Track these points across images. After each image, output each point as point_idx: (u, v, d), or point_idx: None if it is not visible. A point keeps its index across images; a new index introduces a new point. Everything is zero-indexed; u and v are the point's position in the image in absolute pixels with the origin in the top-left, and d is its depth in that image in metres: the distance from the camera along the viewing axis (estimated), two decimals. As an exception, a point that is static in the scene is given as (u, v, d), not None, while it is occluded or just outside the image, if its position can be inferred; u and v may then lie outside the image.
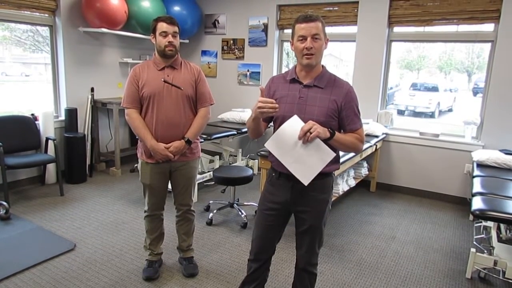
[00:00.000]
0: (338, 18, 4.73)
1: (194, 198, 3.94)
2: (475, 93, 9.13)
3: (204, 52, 5.79)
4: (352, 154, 3.30)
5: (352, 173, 4.14)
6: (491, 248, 2.94)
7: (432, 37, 4.40)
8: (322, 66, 1.82)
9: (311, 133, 1.59)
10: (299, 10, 4.94)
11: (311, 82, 1.78)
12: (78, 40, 4.54)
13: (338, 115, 1.77)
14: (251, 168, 4.73)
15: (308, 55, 1.70)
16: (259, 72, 5.35)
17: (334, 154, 1.66)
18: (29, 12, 4.11)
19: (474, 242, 3.23)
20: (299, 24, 1.71)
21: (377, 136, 4.28)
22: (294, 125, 1.64)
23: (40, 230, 3.21)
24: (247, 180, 3.54)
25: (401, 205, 4.24)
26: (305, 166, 1.67)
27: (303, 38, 1.70)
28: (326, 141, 1.66)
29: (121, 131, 5.20)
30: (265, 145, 1.71)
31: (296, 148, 1.65)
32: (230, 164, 5.02)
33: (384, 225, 3.66)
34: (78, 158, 4.42)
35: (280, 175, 1.86)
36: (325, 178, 1.84)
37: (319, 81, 1.78)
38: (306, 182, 1.69)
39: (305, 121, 1.65)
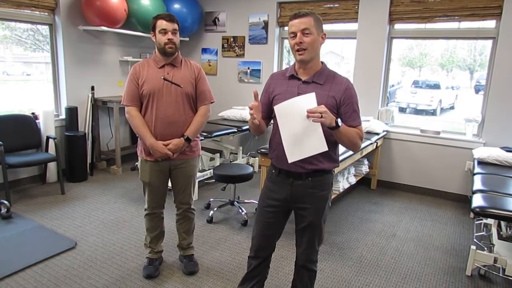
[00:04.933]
0: (338, 15, 4.72)
1: (195, 196, 3.95)
2: (477, 90, 9.10)
3: (204, 50, 5.78)
4: (352, 152, 3.29)
5: (352, 170, 4.14)
6: (491, 245, 2.93)
7: (433, 34, 4.38)
8: (322, 62, 1.82)
9: (321, 116, 1.57)
10: (300, 7, 4.93)
11: (310, 78, 1.78)
12: (78, 38, 4.54)
13: (337, 111, 1.77)
14: (252, 165, 4.72)
15: (299, 51, 1.72)
16: (259, 70, 5.34)
17: (326, 149, 1.66)
18: (29, 11, 4.11)
19: (475, 240, 3.23)
20: (290, 21, 1.74)
21: (377, 134, 4.27)
22: (308, 101, 1.62)
23: (41, 228, 3.22)
24: (247, 177, 3.54)
25: (402, 202, 4.24)
26: (296, 145, 1.68)
27: (294, 35, 1.72)
28: (330, 129, 1.65)
29: (121, 130, 5.20)
30: (274, 107, 1.70)
31: (298, 123, 1.64)
32: (230, 162, 5.02)
33: (384, 223, 3.66)
34: (79, 157, 4.43)
35: (280, 172, 1.87)
36: (324, 175, 1.85)
37: (318, 77, 1.78)
38: (290, 160, 1.71)
39: None
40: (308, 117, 1.59)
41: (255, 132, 1.91)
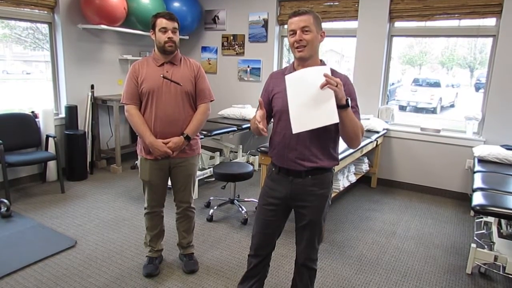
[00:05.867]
0: (338, 13, 4.71)
1: (195, 194, 3.95)
2: (477, 88, 9.10)
3: (204, 48, 5.77)
4: (352, 150, 3.29)
5: (352, 169, 4.14)
6: (491, 243, 2.93)
7: (434, 32, 4.37)
8: (321, 60, 1.82)
9: (336, 85, 1.54)
10: (299, 5, 4.92)
11: (309, 76, 1.77)
12: (77, 37, 4.53)
13: None
14: (252, 164, 4.71)
15: (299, 48, 1.72)
16: (259, 68, 5.33)
17: (337, 121, 1.60)
18: (28, 9, 4.10)
19: (475, 238, 3.22)
20: (290, 19, 1.74)
21: (377, 132, 4.26)
22: (321, 73, 1.57)
23: (41, 227, 3.22)
24: (247, 176, 3.54)
25: (402, 200, 4.24)
26: (305, 115, 1.62)
27: (293, 32, 1.72)
28: (339, 108, 1.61)
29: (121, 128, 5.20)
30: (286, 76, 1.66)
31: (310, 93, 1.59)
32: (230, 160, 5.01)
33: (384, 221, 3.66)
34: (79, 156, 4.42)
35: (280, 170, 1.87)
36: (324, 173, 1.85)
37: (316, 75, 1.77)
38: (295, 130, 1.65)
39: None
40: (324, 85, 1.55)
41: (257, 133, 1.89)
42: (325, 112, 1.59)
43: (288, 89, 1.65)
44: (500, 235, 3.06)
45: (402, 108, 9.00)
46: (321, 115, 1.59)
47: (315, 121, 1.61)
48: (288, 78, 1.65)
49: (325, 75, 1.55)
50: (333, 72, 1.81)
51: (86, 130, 4.66)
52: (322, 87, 1.56)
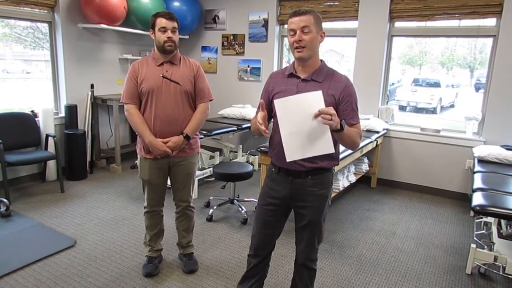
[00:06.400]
0: (338, 13, 4.70)
1: (194, 194, 3.94)
2: (477, 88, 9.11)
3: (204, 48, 5.77)
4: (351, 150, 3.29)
5: (352, 169, 4.13)
6: (491, 243, 2.93)
7: (434, 32, 4.37)
8: (321, 60, 1.81)
9: (330, 119, 1.53)
10: (300, 5, 4.92)
11: (309, 76, 1.78)
12: (77, 36, 4.53)
13: (336, 109, 1.76)
14: (252, 164, 4.71)
15: (298, 48, 1.71)
16: (259, 68, 5.33)
17: (333, 151, 1.62)
18: (28, 9, 4.10)
19: (475, 238, 3.22)
20: (290, 18, 1.73)
21: (377, 132, 4.26)
22: (314, 100, 1.54)
23: (40, 226, 3.21)
24: (247, 176, 3.53)
25: (402, 201, 4.24)
26: (298, 144, 1.60)
27: (294, 32, 1.71)
28: (334, 132, 1.61)
29: (121, 128, 5.20)
30: (274, 101, 1.62)
31: (304, 122, 1.56)
32: (230, 160, 5.01)
33: (384, 221, 3.65)
34: (79, 155, 4.42)
35: (280, 170, 1.86)
36: (324, 173, 1.85)
37: (317, 75, 1.77)
38: (288, 159, 1.63)
39: None
40: (317, 116, 1.53)
41: (258, 134, 1.89)
42: (321, 143, 1.58)
43: (278, 115, 1.61)
44: (500, 235, 3.06)
45: (402, 108, 9.00)
46: (317, 146, 1.59)
47: (310, 151, 1.60)
48: (278, 103, 1.60)
49: (320, 111, 1.52)
50: (333, 72, 1.81)
51: (86, 130, 4.66)
52: (316, 117, 1.54)
